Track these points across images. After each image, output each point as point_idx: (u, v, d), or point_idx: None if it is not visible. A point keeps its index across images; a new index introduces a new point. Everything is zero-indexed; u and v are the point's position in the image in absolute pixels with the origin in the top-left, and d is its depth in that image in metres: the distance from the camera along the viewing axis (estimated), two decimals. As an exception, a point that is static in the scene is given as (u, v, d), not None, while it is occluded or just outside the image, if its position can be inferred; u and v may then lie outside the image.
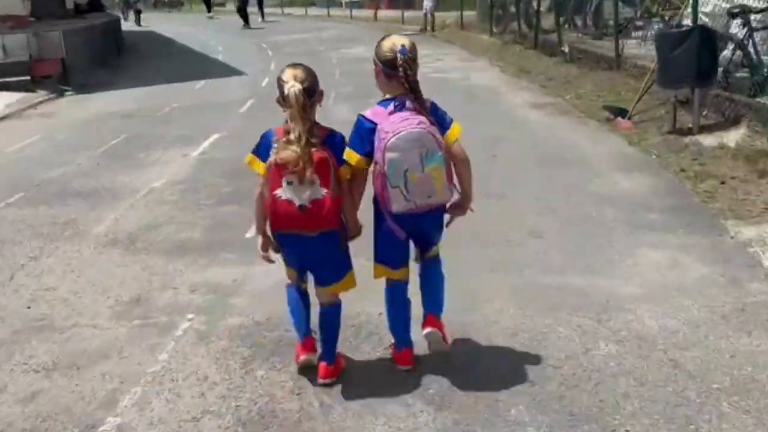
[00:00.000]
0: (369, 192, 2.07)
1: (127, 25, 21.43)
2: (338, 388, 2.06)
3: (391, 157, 2.00)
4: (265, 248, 2.20)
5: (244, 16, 19.32)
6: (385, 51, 2.11)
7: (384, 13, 19.54)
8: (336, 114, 5.53)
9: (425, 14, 15.59)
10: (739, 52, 5.20)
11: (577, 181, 4.16)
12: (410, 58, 2.07)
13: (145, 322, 2.54)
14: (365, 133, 2.12)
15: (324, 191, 2.03)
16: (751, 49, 5.20)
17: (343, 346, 2.27)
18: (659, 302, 2.45)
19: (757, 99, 4.98)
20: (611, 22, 8.42)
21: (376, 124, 2.08)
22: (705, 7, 5.77)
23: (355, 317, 2.51)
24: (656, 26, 7.70)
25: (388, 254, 2.27)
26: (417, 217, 2.16)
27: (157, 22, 22.35)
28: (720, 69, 4.99)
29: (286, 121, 1.97)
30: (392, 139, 2.00)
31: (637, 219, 3.44)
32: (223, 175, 4.76)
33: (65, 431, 1.80)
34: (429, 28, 15.30)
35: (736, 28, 5.32)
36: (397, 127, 2.03)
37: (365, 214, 2.12)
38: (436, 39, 13.61)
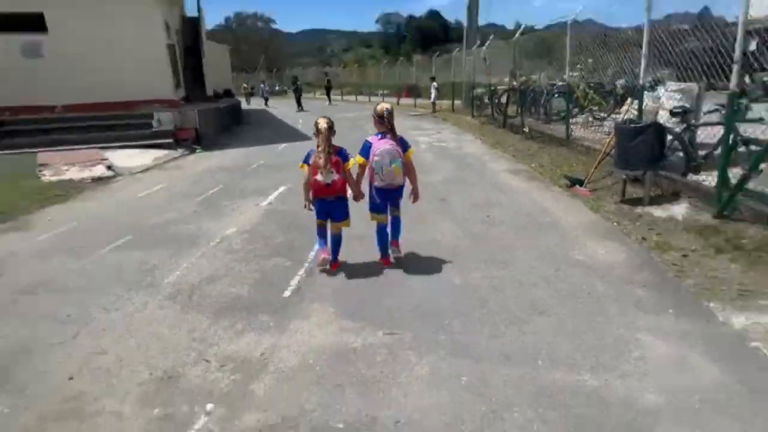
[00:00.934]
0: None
1: (250, 105, 21.42)
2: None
3: (376, 160, 2.84)
4: (307, 207, 3.02)
5: (299, 102, 18.56)
6: (378, 110, 2.95)
7: (404, 100, 19.57)
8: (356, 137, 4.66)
9: (432, 102, 14.91)
10: (676, 142, 4.25)
11: (559, 248, 3.22)
12: (390, 114, 2.93)
13: (165, 413, 1.64)
14: (366, 147, 2.91)
15: (337, 176, 2.85)
16: (686, 139, 4.27)
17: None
18: (687, 420, 1.52)
19: (694, 178, 4.09)
20: (557, 112, 7.75)
21: (371, 143, 2.89)
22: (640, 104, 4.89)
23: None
24: (584, 116, 7.35)
25: (376, 207, 3.08)
26: (388, 191, 3.01)
27: (270, 104, 21.87)
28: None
29: (318, 144, 2.80)
30: (377, 151, 2.84)
31: (625, 295, 2.49)
32: (279, 227, 3.91)
33: None
34: (433, 110, 14.58)
35: (674, 123, 4.42)
36: (380, 145, 2.86)
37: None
38: (436, 118, 12.69)
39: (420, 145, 7.08)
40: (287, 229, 3.78)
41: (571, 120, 6.78)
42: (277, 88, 34.05)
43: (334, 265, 3.07)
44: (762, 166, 3.21)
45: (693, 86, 4.58)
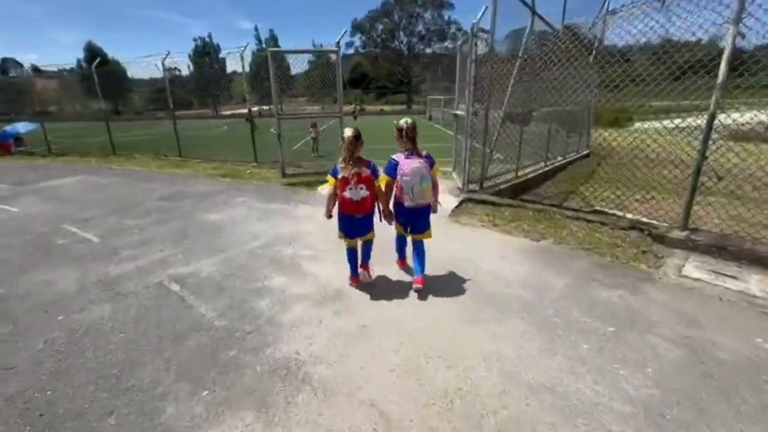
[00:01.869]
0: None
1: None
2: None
3: (406, 180, 2.94)
4: (327, 216, 3.18)
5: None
6: (399, 124, 3.03)
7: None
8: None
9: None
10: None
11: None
12: (411, 128, 3.01)
13: None
14: (392, 166, 3.01)
15: (367, 193, 2.96)
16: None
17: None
18: None
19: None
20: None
21: (398, 162, 3.00)
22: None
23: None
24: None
25: (401, 222, 3.26)
26: (415, 210, 3.10)
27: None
28: None
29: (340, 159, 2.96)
30: (407, 171, 2.93)
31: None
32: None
33: None
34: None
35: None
36: (409, 164, 2.93)
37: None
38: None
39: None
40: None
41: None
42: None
43: (368, 271, 3.46)
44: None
45: None
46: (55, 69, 14.77)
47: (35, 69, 32.56)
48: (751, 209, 4.41)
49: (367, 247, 3.37)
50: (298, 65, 7.31)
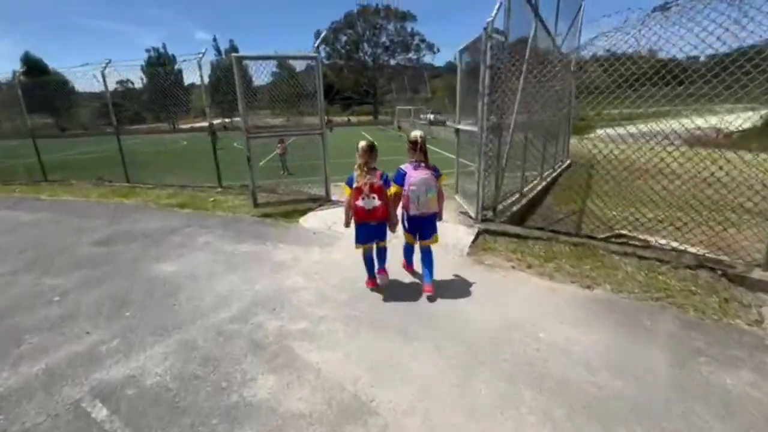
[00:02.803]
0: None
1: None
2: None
3: (413, 189, 3.15)
4: (347, 225, 3.38)
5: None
6: (412, 137, 3.23)
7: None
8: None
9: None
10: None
11: None
12: (423, 141, 3.22)
13: None
14: (401, 175, 3.23)
15: (379, 202, 3.16)
16: None
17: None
18: None
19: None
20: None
21: (406, 172, 3.21)
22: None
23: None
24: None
25: (409, 229, 3.49)
26: (421, 218, 3.31)
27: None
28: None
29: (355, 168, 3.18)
30: (414, 181, 3.13)
31: None
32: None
33: None
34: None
35: None
36: (417, 174, 3.14)
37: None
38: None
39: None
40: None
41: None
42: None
43: (385, 272, 3.62)
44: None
45: None
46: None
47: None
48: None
49: (382, 252, 3.57)
50: (265, 74, 6.17)
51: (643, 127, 4.42)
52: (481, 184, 4.83)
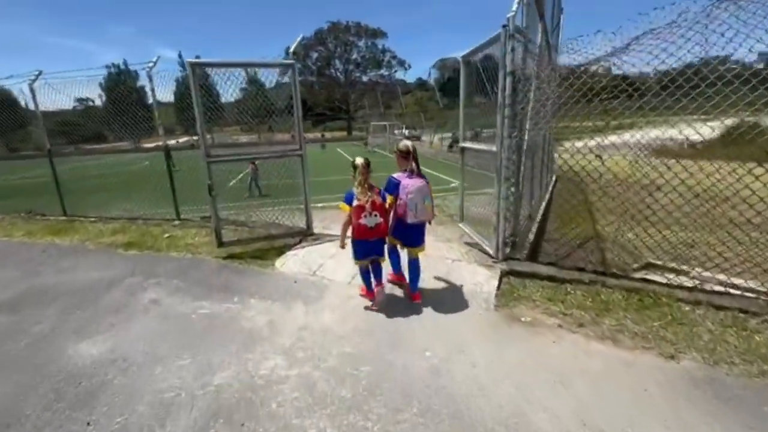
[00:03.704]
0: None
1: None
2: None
3: (411, 198, 3.13)
4: (342, 246, 3.39)
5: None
6: (402, 147, 3.28)
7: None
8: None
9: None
10: None
11: None
12: (414, 150, 3.26)
13: None
14: (394, 185, 3.23)
15: (381, 219, 3.17)
16: None
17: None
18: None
19: None
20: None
21: (400, 181, 3.21)
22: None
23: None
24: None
25: (397, 236, 3.42)
26: (414, 226, 3.27)
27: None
28: None
29: (357, 184, 3.11)
30: (411, 189, 3.13)
31: None
32: None
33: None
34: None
35: None
36: (412, 183, 3.15)
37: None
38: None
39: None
40: None
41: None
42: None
43: (382, 285, 3.46)
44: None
45: None
46: None
47: None
48: None
49: (378, 267, 3.44)
50: (233, 88, 5.11)
51: (615, 138, 4.17)
52: (502, 216, 3.92)
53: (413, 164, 3.25)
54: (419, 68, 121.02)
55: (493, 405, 2.30)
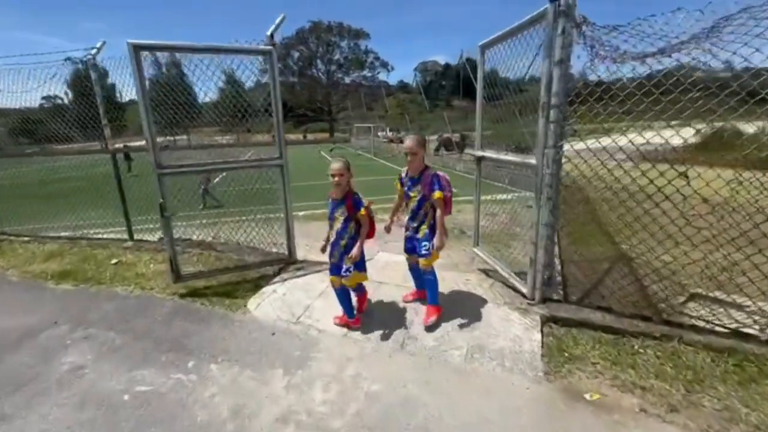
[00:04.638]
0: None
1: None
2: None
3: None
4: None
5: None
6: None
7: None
8: None
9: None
10: None
11: None
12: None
13: None
14: (446, 180, 2.96)
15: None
16: None
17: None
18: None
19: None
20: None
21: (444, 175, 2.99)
22: None
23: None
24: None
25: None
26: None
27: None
28: None
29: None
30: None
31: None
32: None
33: None
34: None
35: None
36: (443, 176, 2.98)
37: None
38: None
39: None
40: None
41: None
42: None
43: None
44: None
45: None
46: None
47: None
48: None
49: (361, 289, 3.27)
50: (205, 82, 4.05)
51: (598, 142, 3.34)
52: (542, 247, 3.05)
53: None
54: (400, 71, 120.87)
55: None
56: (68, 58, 5.71)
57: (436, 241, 2.89)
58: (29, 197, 6.81)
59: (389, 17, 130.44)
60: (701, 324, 2.83)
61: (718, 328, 2.78)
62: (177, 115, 4.79)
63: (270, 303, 3.54)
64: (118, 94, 5.94)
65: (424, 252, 2.96)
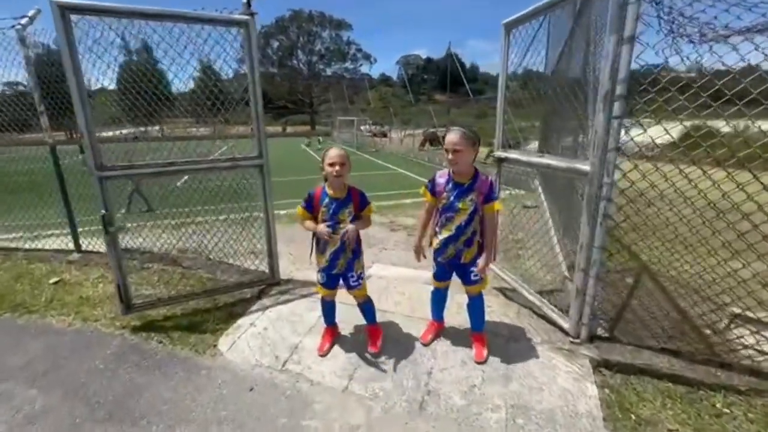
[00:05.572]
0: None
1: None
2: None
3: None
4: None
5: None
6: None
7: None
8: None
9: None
10: None
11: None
12: None
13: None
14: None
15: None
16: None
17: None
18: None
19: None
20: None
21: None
22: None
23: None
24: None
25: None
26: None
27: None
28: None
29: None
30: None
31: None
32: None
33: None
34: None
35: None
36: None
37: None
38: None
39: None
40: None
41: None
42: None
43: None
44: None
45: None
46: None
47: None
48: None
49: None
50: (178, 67, 3.18)
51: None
52: (593, 275, 2.44)
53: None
54: (381, 65, 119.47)
55: None
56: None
57: (481, 261, 2.33)
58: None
59: (370, 8, 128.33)
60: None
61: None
62: (137, 102, 3.92)
63: (247, 341, 2.80)
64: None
65: (474, 278, 2.41)
